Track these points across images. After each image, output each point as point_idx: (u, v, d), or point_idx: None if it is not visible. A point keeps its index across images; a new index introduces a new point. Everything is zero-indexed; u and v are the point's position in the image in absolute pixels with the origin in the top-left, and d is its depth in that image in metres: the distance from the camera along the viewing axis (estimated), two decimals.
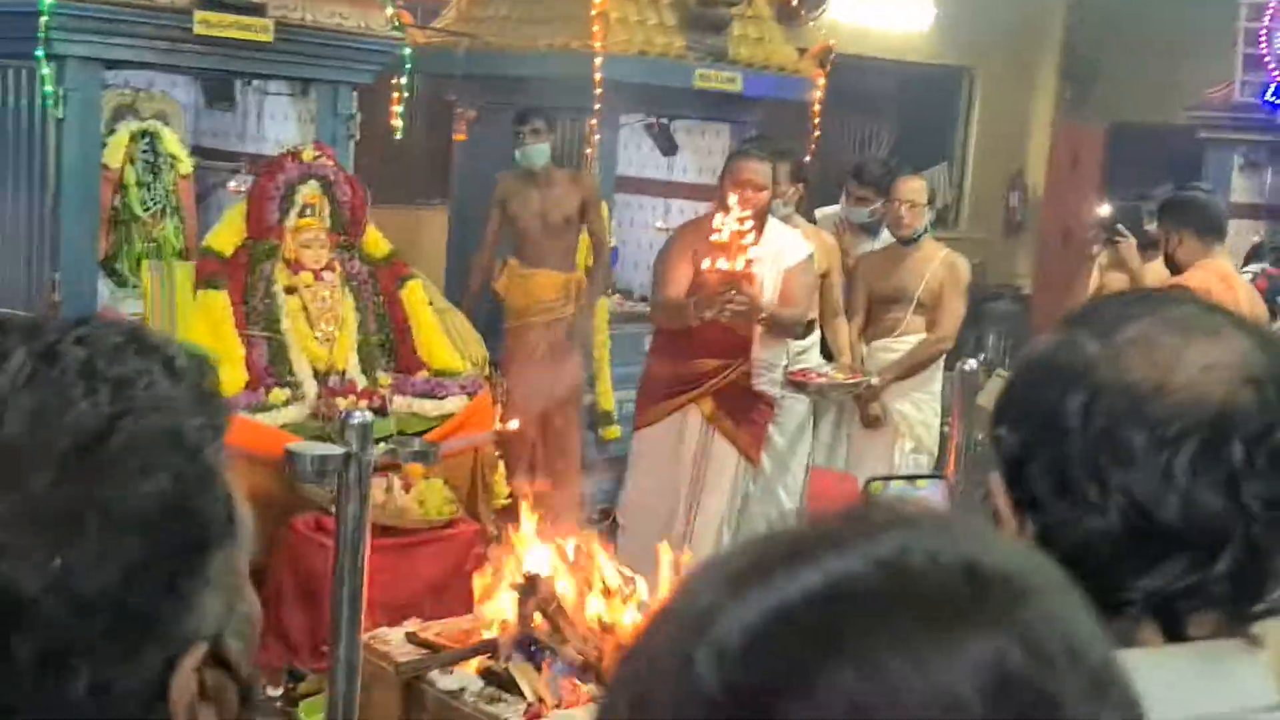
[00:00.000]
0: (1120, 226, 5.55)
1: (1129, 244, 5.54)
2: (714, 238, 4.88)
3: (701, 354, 5.14)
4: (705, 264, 4.89)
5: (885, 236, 6.31)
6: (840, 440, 5.98)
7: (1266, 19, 8.25)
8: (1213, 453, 1.04)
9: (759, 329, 5.11)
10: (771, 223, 5.21)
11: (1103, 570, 1.03)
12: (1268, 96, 8.29)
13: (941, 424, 5.83)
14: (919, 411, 5.82)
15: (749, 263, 4.83)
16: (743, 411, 5.25)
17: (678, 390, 5.22)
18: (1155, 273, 5.50)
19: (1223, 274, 5.01)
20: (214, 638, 0.83)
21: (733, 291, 4.81)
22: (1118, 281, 5.70)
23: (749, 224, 4.85)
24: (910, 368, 5.73)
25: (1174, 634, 1.08)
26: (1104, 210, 5.70)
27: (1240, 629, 1.09)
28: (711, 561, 0.67)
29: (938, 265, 5.78)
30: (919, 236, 5.77)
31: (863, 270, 5.96)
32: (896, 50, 12.72)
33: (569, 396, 6.51)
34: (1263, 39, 8.28)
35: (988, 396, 10.46)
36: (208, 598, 0.83)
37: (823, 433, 5.95)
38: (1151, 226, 5.75)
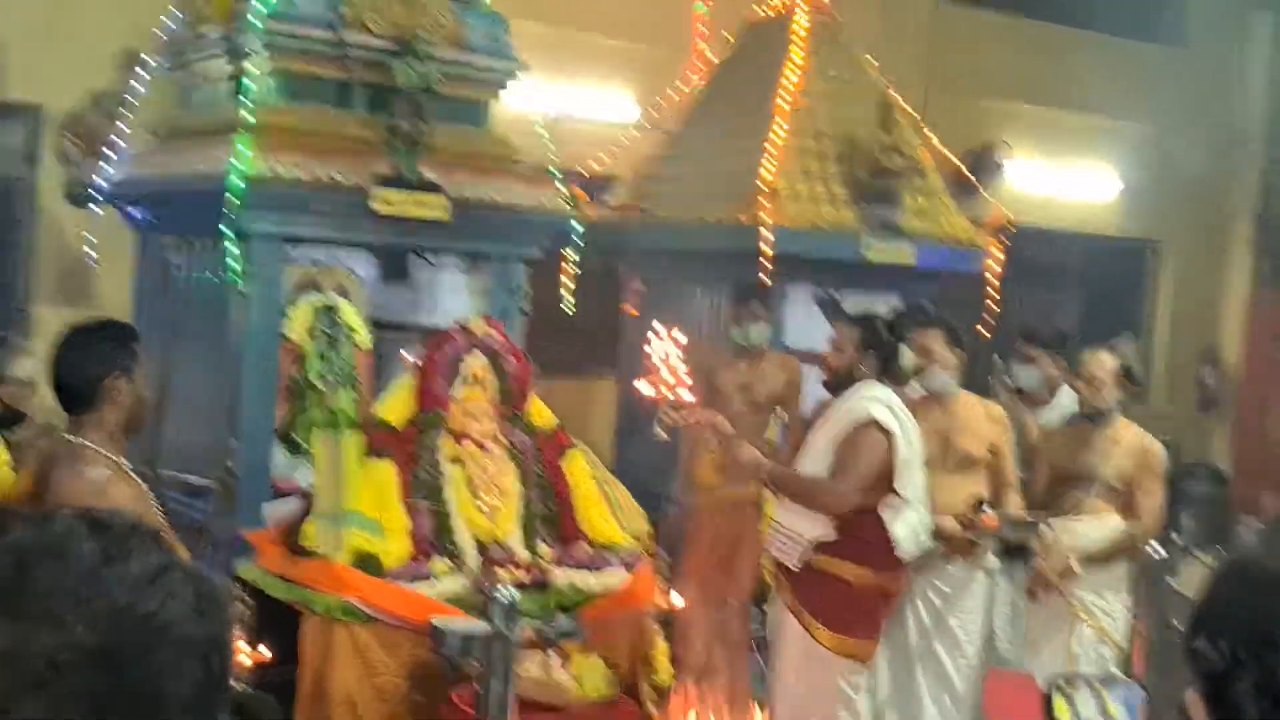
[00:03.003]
0: None
1: None
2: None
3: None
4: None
5: (1061, 405, 6.07)
6: (1017, 632, 5.65)
7: None
8: None
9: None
10: (858, 388, 5.00)
11: None
12: None
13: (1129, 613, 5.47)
14: (1103, 600, 5.46)
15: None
16: (799, 585, 5.00)
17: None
18: None
19: None
20: None
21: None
22: None
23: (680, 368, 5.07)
24: (1107, 554, 5.38)
25: None
26: None
27: None
28: None
29: (1129, 448, 5.47)
30: (1106, 414, 5.49)
31: (1046, 446, 5.69)
32: (1080, 221, 12.51)
33: (748, 576, 6.40)
34: None
35: (1185, 581, 9.87)
36: None
37: (997, 618, 5.64)
38: None
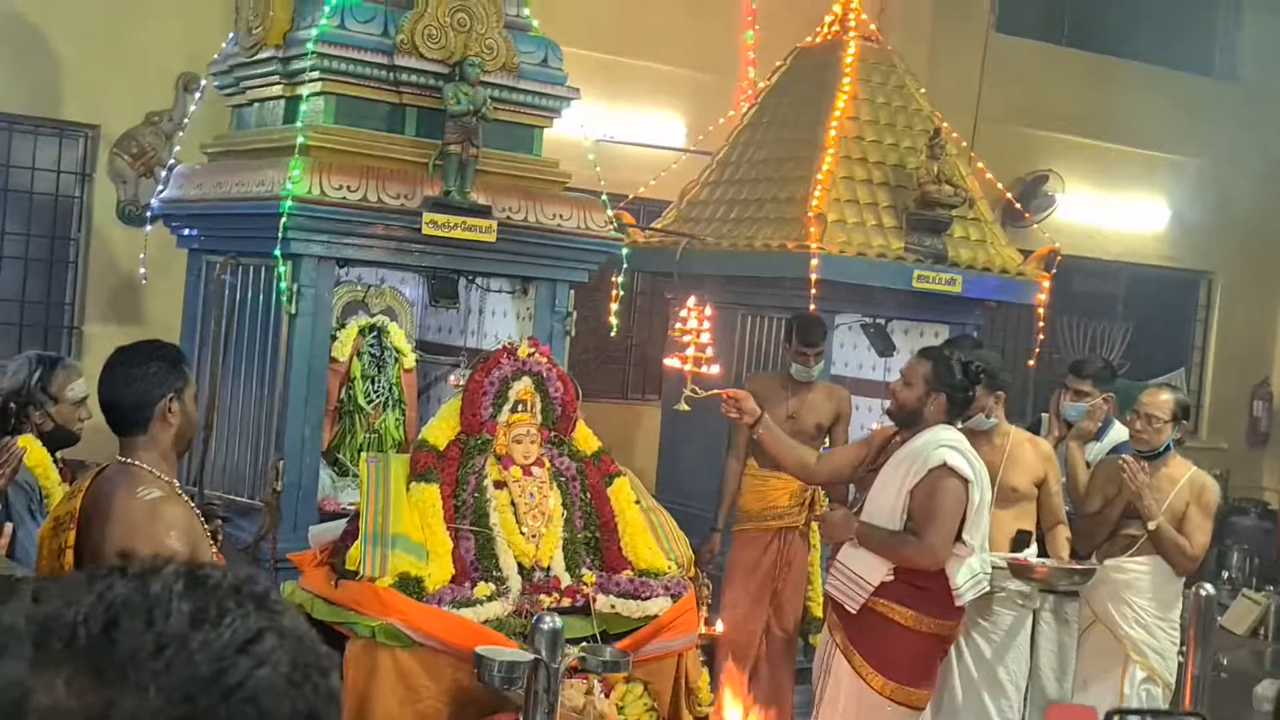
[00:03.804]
0: None
1: None
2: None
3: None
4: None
5: (1112, 436, 5.99)
6: (1066, 670, 5.57)
7: None
8: None
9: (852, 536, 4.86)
10: (933, 432, 4.80)
11: None
12: None
13: (1179, 650, 5.38)
14: (1154, 639, 5.37)
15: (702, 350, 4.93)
16: (852, 625, 4.86)
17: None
18: None
19: None
20: None
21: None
22: None
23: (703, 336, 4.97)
24: (1167, 542, 5.31)
25: None
26: None
27: None
28: None
29: (1183, 485, 5.39)
30: (1161, 453, 5.42)
31: (1100, 480, 5.61)
32: (1129, 252, 12.40)
33: (795, 606, 6.34)
34: None
35: (1234, 619, 9.70)
36: None
37: (1045, 656, 5.56)
38: None
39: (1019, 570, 5.22)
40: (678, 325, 5.00)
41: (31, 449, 4.20)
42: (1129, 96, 11.35)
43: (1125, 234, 12.30)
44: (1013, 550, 5.35)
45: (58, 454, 4.45)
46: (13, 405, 4.39)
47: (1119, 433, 6.02)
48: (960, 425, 5.19)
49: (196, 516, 3.27)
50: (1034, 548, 5.46)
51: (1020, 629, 5.39)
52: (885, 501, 4.83)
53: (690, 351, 4.90)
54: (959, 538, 4.75)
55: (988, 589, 4.94)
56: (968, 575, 4.76)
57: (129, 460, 3.22)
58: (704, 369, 4.87)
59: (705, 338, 4.93)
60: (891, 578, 4.77)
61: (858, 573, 4.82)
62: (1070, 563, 5.33)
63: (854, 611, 4.83)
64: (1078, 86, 11.46)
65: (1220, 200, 11.86)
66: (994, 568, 5.09)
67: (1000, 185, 8.73)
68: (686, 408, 5.01)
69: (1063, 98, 11.36)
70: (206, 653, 0.84)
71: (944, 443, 4.77)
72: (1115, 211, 12.21)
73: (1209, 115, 11.68)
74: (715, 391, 4.94)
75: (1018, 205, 9.52)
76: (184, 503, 3.25)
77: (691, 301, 5.04)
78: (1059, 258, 8.02)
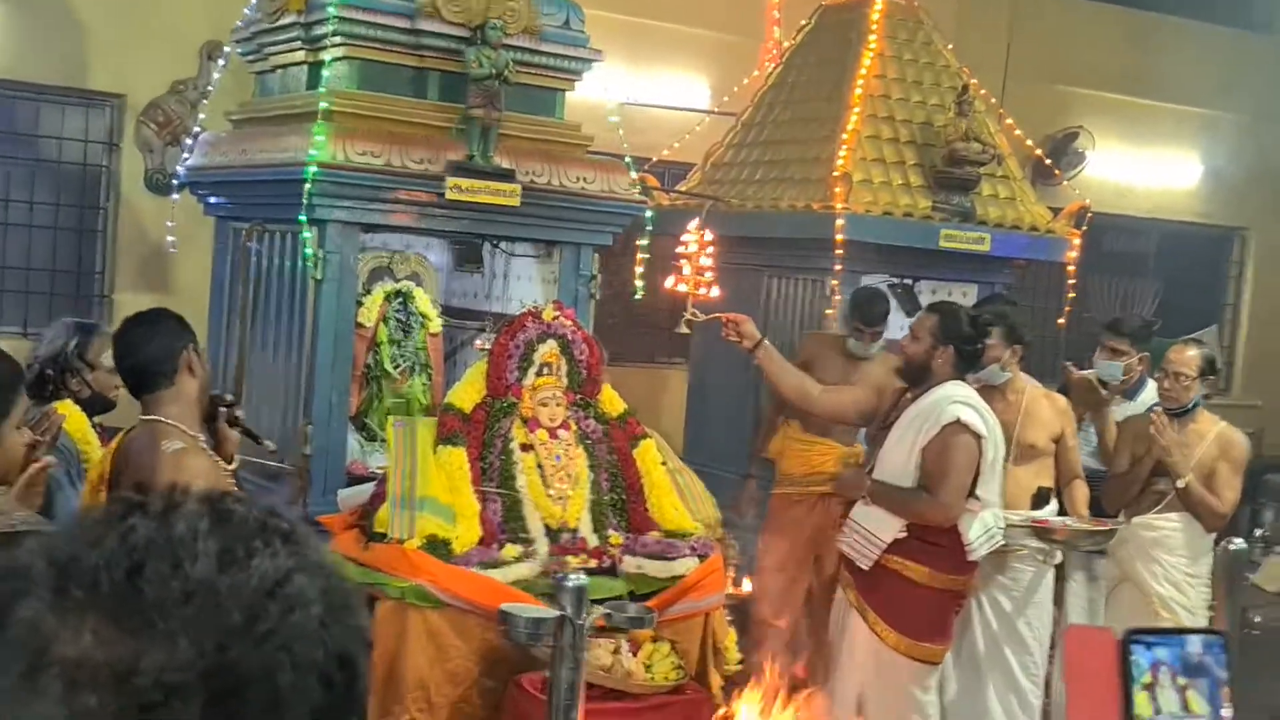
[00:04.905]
0: None
1: None
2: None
3: None
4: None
5: (1145, 396, 5.95)
6: (1095, 624, 5.56)
7: None
8: None
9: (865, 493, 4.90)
10: (944, 388, 4.81)
11: None
12: None
13: (1208, 606, 5.36)
14: (1184, 596, 5.36)
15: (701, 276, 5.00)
16: (864, 582, 4.89)
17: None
18: None
19: None
20: None
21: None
22: None
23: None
24: (1195, 499, 5.29)
25: None
26: None
27: None
28: None
29: (1211, 442, 5.36)
30: (1189, 410, 5.38)
31: (1128, 437, 5.58)
32: (1161, 209, 12.29)
33: (831, 565, 6.36)
34: None
35: (1265, 577, 9.67)
36: None
37: (1074, 614, 5.55)
38: None
39: (1041, 531, 5.21)
40: (679, 249, 5.04)
41: (71, 415, 4.25)
42: (1161, 51, 11.21)
43: (1157, 190, 12.19)
44: (1033, 508, 5.35)
45: (95, 420, 4.50)
46: (50, 372, 4.44)
47: (1152, 393, 5.98)
48: (972, 377, 5.18)
49: (221, 471, 3.32)
50: (1053, 504, 5.45)
51: (1040, 585, 5.37)
52: (898, 459, 4.83)
53: (688, 273, 4.92)
54: (972, 493, 4.75)
55: (1001, 544, 4.94)
56: (980, 530, 4.77)
57: (153, 417, 3.28)
58: (703, 292, 4.90)
59: (706, 260, 4.96)
60: (904, 534, 4.79)
61: (870, 530, 4.83)
62: (1092, 522, 5.31)
63: (866, 569, 4.84)
64: (1108, 41, 11.33)
65: (1254, 155, 11.72)
66: (1015, 527, 5.09)
67: (1030, 142, 8.66)
68: (687, 330, 5.04)
69: (1093, 53, 11.23)
70: (237, 599, 0.81)
71: (956, 399, 4.76)
72: (1147, 168, 12.09)
73: (1244, 69, 11.52)
74: (716, 315, 4.94)
75: (1048, 162, 9.44)
76: (207, 454, 3.30)
77: (693, 224, 5.05)
78: (1089, 215, 7.95)
